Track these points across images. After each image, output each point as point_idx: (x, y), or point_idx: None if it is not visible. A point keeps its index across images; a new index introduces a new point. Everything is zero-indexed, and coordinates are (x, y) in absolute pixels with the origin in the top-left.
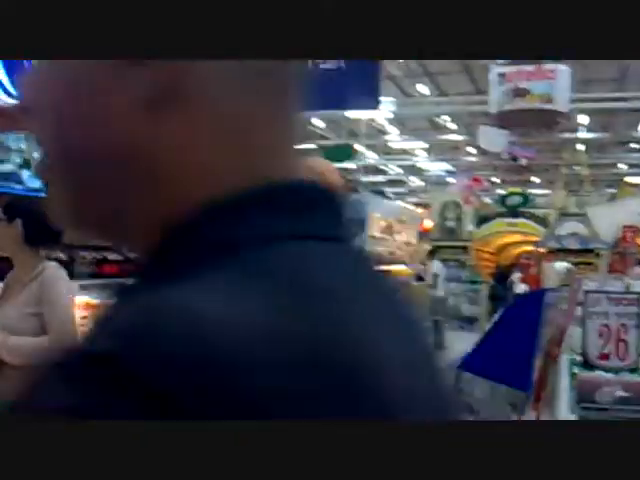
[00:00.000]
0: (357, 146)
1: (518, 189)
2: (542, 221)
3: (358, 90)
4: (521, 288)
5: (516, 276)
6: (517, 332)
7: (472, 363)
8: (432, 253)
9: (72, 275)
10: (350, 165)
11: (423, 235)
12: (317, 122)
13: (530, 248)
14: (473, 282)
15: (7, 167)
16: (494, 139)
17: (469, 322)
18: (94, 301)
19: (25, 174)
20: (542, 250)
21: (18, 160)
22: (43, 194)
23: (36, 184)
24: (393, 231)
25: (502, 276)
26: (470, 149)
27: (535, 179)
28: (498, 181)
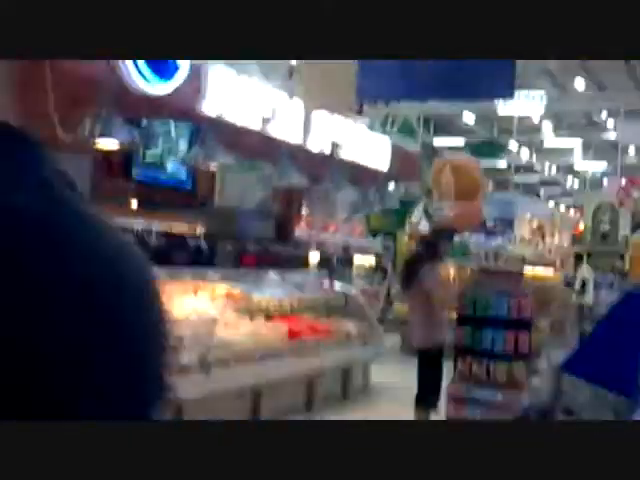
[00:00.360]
0: (511, 144)
1: None
2: None
3: (492, 78)
4: None
5: None
6: (624, 332)
7: (574, 364)
8: (581, 257)
9: (213, 264)
10: (502, 163)
11: (577, 238)
12: (468, 117)
13: None
14: None
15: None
16: (635, 133)
17: None
18: (234, 291)
19: (170, 162)
20: None
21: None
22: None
23: (182, 174)
24: (544, 233)
25: None
26: (631, 149)
27: None
28: None
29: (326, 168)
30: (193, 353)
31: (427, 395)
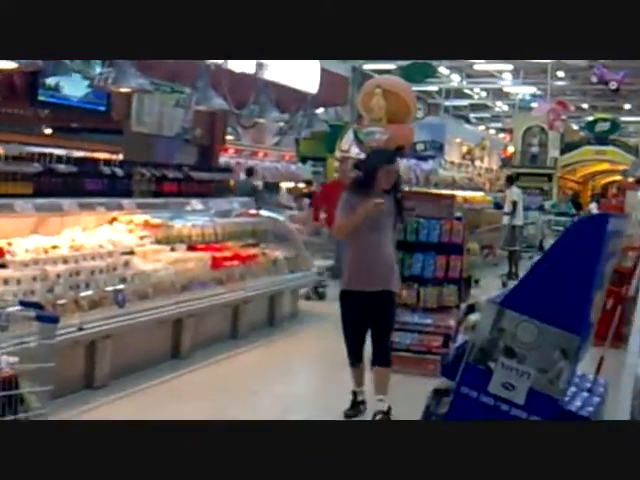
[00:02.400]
0: (440, 69)
1: (607, 115)
2: (633, 149)
3: None
4: None
5: (593, 206)
6: (570, 265)
7: (517, 299)
8: (510, 180)
9: (130, 193)
10: (432, 88)
11: (506, 162)
12: None
13: (618, 178)
14: (560, 214)
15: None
16: None
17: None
18: (154, 220)
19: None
20: (631, 180)
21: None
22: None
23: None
24: (474, 157)
25: (576, 205)
26: (559, 73)
27: (627, 106)
28: (586, 107)
29: (250, 90)
30: (106, 286)
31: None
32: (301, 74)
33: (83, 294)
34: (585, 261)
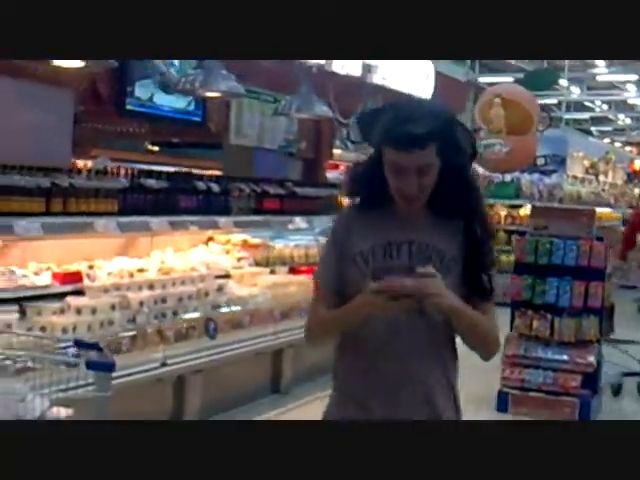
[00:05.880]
0: (560, 81)
1: None
2: None
3: None
4: None
5: None
6: None
7: None
8: None
9: (227, 210)
10: (552, 100)
11: (632, 176)
12: None
13: None
14: None
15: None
16: None
17: None
18: (253, 240)
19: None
20: None
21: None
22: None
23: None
24: (598, 171)
25: None
26: None
27: None
28: None
29: (357, 97)
30: (198, 313)
31: None
32: (413, 77)
33: (168, 324)
34: None
